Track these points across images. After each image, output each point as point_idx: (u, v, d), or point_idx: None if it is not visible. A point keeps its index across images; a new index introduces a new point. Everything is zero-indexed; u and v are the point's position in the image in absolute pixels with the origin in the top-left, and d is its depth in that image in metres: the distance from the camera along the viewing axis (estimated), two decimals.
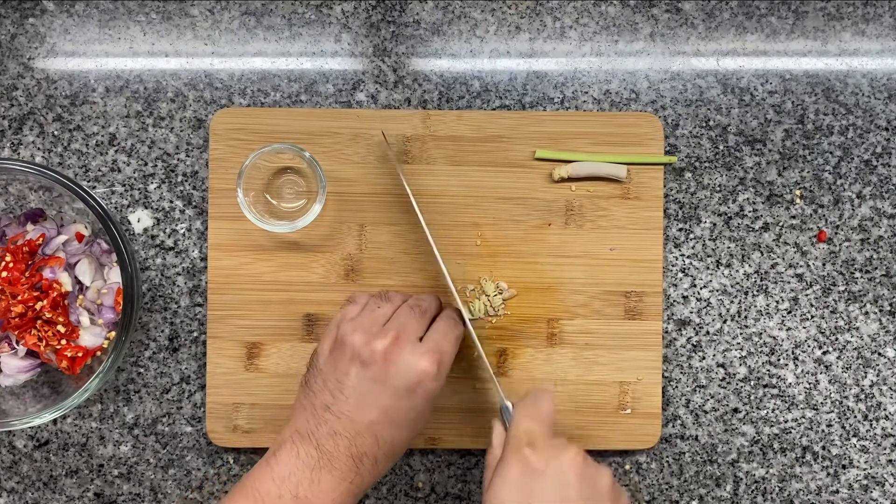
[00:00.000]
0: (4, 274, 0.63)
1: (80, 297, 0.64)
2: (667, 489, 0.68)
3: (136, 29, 0.68)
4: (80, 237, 0.65)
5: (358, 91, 0.67)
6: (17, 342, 0.64)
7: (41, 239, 0.64)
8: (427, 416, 0.57)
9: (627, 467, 0.68)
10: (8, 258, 0.63)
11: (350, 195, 0.66)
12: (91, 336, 0.64)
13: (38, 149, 0.67)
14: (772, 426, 0.67)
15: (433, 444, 0.66)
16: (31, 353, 0.65)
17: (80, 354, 0.64)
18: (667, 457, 0.68)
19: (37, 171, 0.60)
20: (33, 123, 0.67)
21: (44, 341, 0.63)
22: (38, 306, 0.63)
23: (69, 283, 0.64)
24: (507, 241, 0.66)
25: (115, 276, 0.65)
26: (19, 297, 0.62)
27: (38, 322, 0.63)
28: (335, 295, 0.66)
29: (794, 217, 0.67)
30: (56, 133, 0.67)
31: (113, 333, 0.64)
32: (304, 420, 0.55)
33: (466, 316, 0.62)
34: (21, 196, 0.66)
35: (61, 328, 0.63)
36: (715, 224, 0.67)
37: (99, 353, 0.64)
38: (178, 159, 0.67)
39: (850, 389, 0.67)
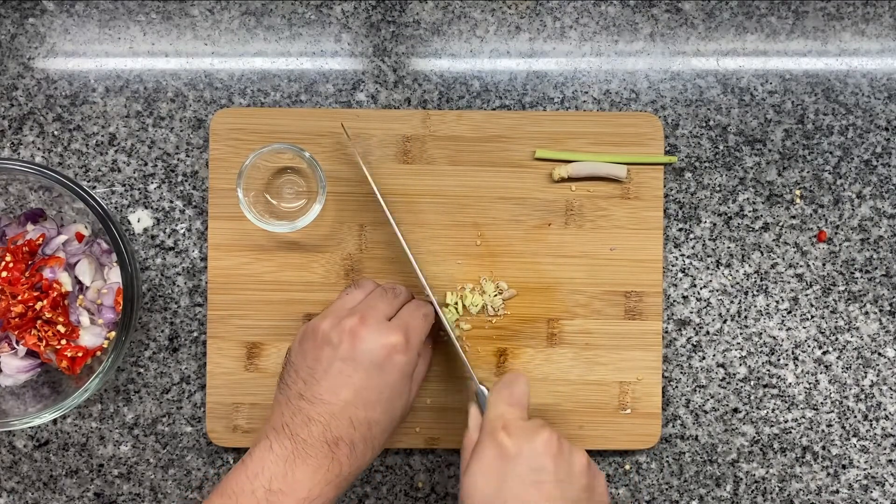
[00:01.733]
0: (4, 274, 0.63)
1: (80, 297, 0.64)
2: (667, 489, 0.68)
3: (136, 29, 0.68)
4: (80, 237, 0.65)
5: (358, 91, 0.67)
6: (17, 342, 0.64)
7: (41, 239, 0.64)
8: (404, 396, 0.56)
9: (627, 467, 0.68)
10: (8, 258, 0.63)
11: (350, 195, 0.66)
12: (91, 336, 0.64)
13: (38, 149, 0.67)
14: (772, 426, 0.67)
15: (433, 444, 0.66)
16: (31, 353, 0.65)
17: (80, 354, 0.64)
18: (667, 457, 0.68)
19: (37, 171, 0.60)
20: (33, 123, 0.67)
21: (44, 341, 0.63)
22: (38, 306, 0.63)
23: (69, 283, 0.64)
24: (507, 241, 0.66)
25: (115, 276, 0.65)
26: (19, 297, 0.62)
27: (38, 322, 0.63)
28: (335, 295, 0.66)
29: (794, 217, 0.67)
30: (56, 133, 0.67)
31: (113, 333, 0.64)
32: (279, 414, 0.55)
33: (445, 312, 0.62)
34: (21, 196, 0.66)
35: (61, 328, 0.63)
36: (715, 224, 0.67)
37: (99, 353, 0.64)
38: (178, 159, 0.67)
39: (850, 389, 0.67)
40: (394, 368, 0.55)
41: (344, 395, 0.54)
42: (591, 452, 0.68)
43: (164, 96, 0.67)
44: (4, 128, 0.67)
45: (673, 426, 0.67)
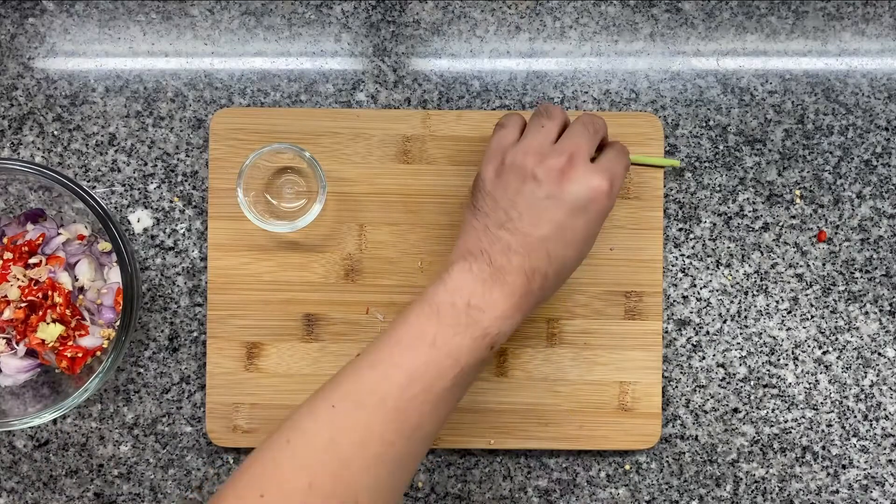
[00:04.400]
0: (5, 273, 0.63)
1: (80, 297, 0.64)
2: (667, 489, 0.68)
3: (136, 29, 0.68)
4: (81, 238, 0.65)
5: (358, 91, 0.67)
6: (17, 342, 0.64)
7: (41, 239, 0.64)
8: (594, 237, 0.57)
9: (627, 467, 0.68)
10: (7, 257, 0.63)
11: (350, 195, 0.66)
12: (91, 336, 0.64)
13: (38, 149, 0.67)
14: (772, 426, 0.67)
15: (433, 444, 0.66)
16: (30, 353, 0.65)
17: (79, 354, 0.64)
18: (667, 457, 0.68)
19: (37, 171, 0.60)
20: (33, 123, 0.67)
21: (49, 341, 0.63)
22: (56, 303, 0.62)
23: (69, 283, 0.64)
24: None
25: (115, 276, 0.65)
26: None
27: (48, 321, 0.63)
28: (335, 295, 0.66)
29: (794, 217, 0.67)
30: (56, 133, 0.67)
31: (113, 333, 0.64)
32: (476, 239, 0.56)
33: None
34: (21, 196, 0.66)
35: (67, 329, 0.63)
36: (715, 224, 0.67)
37: (99, 353, 0.64)
38: (178, 159, 0.67)
39: (850, 389, 0.67)
40: (595, 211, 0.55)
41: (545, 230, 0.55)
42: (590, 452, 0.68)
43: (163, 96, 0.67)
44: (4, 128, 0.67)
45: (673, 426, 0.67)
